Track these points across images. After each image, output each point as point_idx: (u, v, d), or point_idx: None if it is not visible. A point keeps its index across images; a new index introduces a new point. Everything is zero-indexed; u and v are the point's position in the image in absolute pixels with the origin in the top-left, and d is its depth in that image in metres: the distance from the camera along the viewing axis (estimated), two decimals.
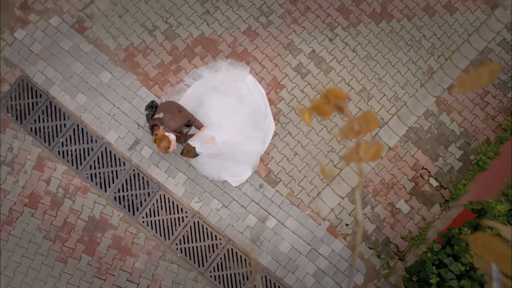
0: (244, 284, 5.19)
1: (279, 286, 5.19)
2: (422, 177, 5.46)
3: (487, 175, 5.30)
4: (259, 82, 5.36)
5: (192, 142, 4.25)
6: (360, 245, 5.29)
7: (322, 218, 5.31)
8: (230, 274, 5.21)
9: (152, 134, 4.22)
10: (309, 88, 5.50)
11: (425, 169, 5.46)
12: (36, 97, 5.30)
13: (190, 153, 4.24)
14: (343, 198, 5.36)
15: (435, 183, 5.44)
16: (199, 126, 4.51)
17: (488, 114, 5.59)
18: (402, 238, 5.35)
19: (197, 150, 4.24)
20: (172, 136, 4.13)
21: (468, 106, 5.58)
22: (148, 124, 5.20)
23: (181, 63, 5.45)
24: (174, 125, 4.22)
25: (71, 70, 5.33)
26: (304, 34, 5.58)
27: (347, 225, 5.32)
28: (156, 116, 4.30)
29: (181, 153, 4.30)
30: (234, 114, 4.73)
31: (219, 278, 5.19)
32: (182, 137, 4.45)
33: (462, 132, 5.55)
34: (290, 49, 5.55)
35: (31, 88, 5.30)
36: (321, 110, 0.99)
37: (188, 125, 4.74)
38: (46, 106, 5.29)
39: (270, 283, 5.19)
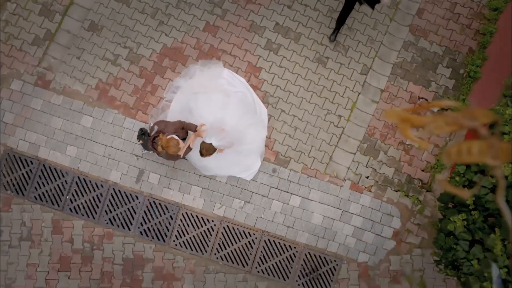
0: (292, 267, 5.25)
1: (324, 257, 5.25)
2: (422, 107, 5.48)
3: (482, 83, 5.32)
4: (236, 72, 5.28)
5: (206, 139, 4.21)
6: (388, 190, 5.34)
7: (342, 179, 5.34)
8: (275, 263, 5.26)
9: (157, 149, 4.19)
10: (285, 61, 5.42)
11: (422, 98, 5.47)
12: (28, 165, 5.18)
13: (209, 150, 4.17)
14: (354, 154, 5.38)
15: (435, 108, 5.46)
16: (194, 128, 4.42)
17: (463, 24, 5.58)
18: (422, 170, 5.40)
19: (215, 144, 4.20)
20: (175, 136, 4.17)
21: (442, 24, 5.56)
22: (145, 152, 5.14)
23: (155, 82, 5.34)
24: (172, 128, 4.29)
25: (51, 127, 5.20)
26: (263, 11, 5.47)
27: (367, 177, 5.35)
28: (152, 134, 4.33)
29: (201, 155, 4.22)
30: (227, 107, 4.66)
31: (266, 271, 5.24)
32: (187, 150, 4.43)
33: (444, 50, 5.54)
34: (254, 30, 5.45)
35: (19, 158, 5.18)
36: (419, 123, 1.02)
37: (184, 138, 4.68)
38: (41, 170, 5.18)
39: (315, 257, 5.25)
